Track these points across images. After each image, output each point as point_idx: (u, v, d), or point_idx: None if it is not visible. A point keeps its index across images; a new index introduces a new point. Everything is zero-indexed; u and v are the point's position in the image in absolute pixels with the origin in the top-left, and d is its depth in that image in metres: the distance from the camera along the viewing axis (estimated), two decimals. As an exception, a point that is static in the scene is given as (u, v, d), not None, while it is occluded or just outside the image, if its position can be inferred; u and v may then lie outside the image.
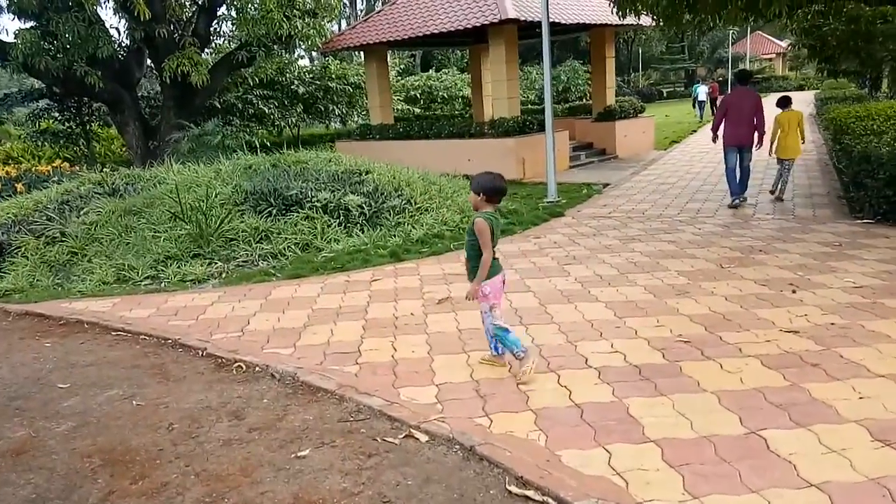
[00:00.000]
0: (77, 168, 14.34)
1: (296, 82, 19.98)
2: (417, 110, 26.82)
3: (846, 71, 12.81)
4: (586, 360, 3.93)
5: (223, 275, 6.94)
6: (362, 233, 8.00)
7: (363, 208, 8.29)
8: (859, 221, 7.48)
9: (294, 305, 5.53)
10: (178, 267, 7.02)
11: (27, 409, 3.88)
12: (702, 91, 31.55)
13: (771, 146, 9.33)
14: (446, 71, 31.53)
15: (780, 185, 9.38)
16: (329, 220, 8.04)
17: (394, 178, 9.58)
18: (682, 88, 58.47)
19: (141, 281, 6.77)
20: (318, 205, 8.20)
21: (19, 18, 14.64)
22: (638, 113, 17.38)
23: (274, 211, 8.17)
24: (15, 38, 13.91)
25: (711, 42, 61.50)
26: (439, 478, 2.84)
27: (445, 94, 28.12)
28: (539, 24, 14.65)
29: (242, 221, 7.96)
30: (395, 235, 7.96)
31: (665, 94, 54.83)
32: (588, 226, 8.41)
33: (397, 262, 7.00)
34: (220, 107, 18.21)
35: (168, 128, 15.92)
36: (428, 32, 14.25)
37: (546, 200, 10.31)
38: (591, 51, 17.31)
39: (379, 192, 8.81)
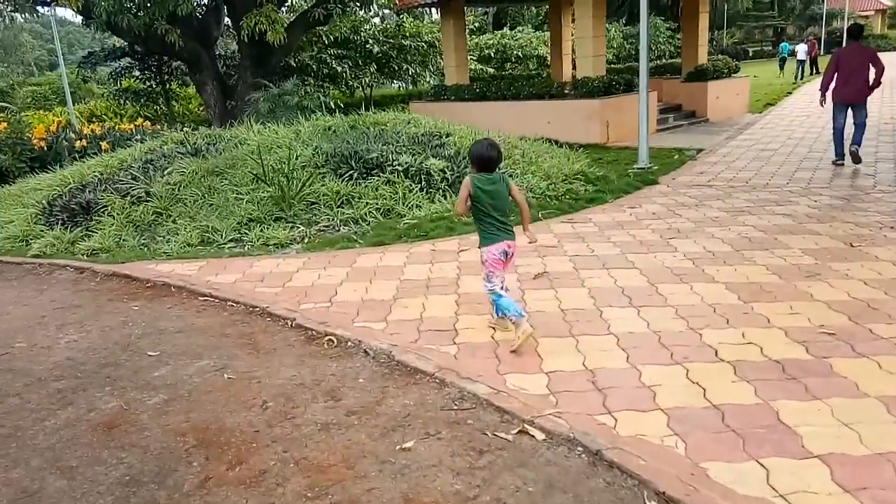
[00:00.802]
0: (158, 127, 14.55)
1: (370, 41, 19.62)
2: (491, 70, 26.08)
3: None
4: (716, 353, 3.48)
5: (305, 239, 6.77)
6: (444, 199, 7.66)
7: (445, 173, 7.93)
8: None
9: (381, 275, 5.27)
10: (261, 230, 6.88)
11: (117, 377, 3.77)
12: (801, 49, 29.39)
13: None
14: (521, 29, 30.48)
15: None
16: (410, 185, 7.73)
17: (475, 139, 9.15)
18: (770, 47, 54.85)
19: (225, 244, 6.67)
20: (399, 169, 7.90)
21: (103, -24, 14.78)
22: (732, 73, 16.20)
23: (355, 174, 7.92)
24: (99, -5, 14.05)
25: (805, -3, 57.35)
26: (564, 485, 2.51)
27: (520, 54, 27.22)
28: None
29: (323, 185, 7.75)
30: (479, 202, 7.58)
31: (751, 54, 51.57)
32: (687, 195, 7.79)
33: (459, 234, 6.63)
34: (294, 66, 18.09)
35: (245, 87, 15.92)
36: (510, -13, 13.54)
37: (636, 166, 9.67)
38: (684, 4, 16.14)
39: (460, 156, 8.41)
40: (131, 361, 3.99)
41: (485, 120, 13.51)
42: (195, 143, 9.25)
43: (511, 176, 8.28)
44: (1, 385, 3.76)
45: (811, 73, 29.83)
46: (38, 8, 15.97)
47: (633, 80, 13.85)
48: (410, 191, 7.67)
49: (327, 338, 4.09)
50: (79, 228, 7.23)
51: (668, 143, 12.24)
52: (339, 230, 7.06)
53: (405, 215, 7.26)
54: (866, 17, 56.48)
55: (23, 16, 17.75)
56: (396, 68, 21.20)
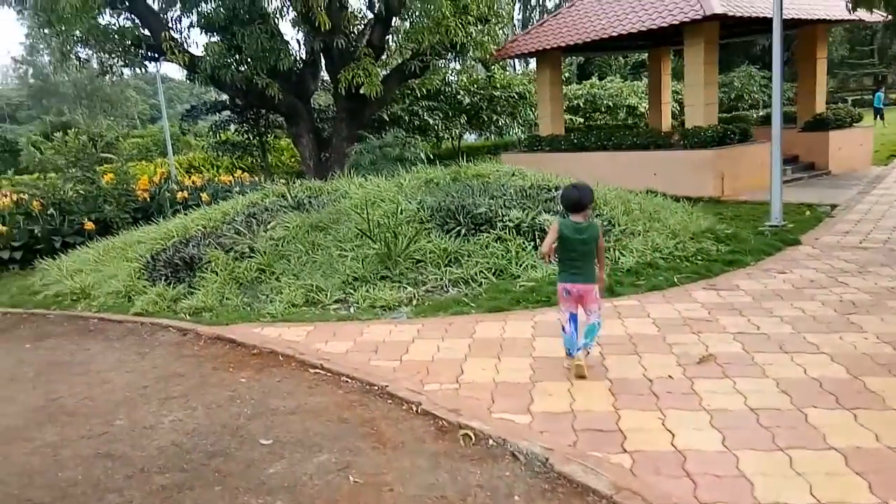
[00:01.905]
0: (255, 178, 14.69)
1: (461, 92, 19.52)
2: (580, 120, 25.55)
3: None
4: None
5: (414, 302, 6.24)
6: (562, 258, 7.00)
7: (561, 230, 7.28)
8: None
9: (509, 350, 4.62)
10: (367, 290, 6.42)
11: (228, 473, 3.26)
12: (878, 97, 27.65)
13: None
14: (611, 79, 29.93)
15: None
16: (523, 243, 7.12)
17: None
18: (870, 96, 51.96)
19: (330, 304, 6.23)
20: (510, 225, 7.32)
21: (207, 32, 15.33)
22: (854, 122, 14.94)
23: (462, 230, 7.40)
24: (204, 52, 14.51)
25: (909, 42, 54.30)
26: None
27: (609, 103, 26.58)
28: (742, 20, 13.02)
29: (430, 241, 7.26)
30: (601, 263, 6.87)
31: (850, 102, 48.94)
32: (842, 259, 6.81)
33: (612, 296, 5.90)
34: (387, 119, 18.13)
35: (340, 140, 15.98)
36: (615, 34, 13.03)
37: (768, 224, 8.73)
38: (799, 51, 15.13)
39: (576, 210, 7.76)
40: (242, 451, 3.48)
41: (583, 171, 12.79)
42: (297, 196, 9.03)
43: (632, 234, 7.57)
44: (100, 476, 3.32)
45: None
46: (146, 63, 16.72)
47: (748, 129, 12.94)
48: (523, 249, 7.05)
49: (462, 432, 3.46)
50: (182, 285, 7.00)
51: (793, 197, 11.16)
52: (448, 291, 6.51)
53: (519, 276, 6.63)
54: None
55: (131, 71, 18.72)
56: (486, 119, 20.98)
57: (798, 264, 6.71)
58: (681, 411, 3.45)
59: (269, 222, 8.04)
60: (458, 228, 7.44)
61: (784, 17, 12.45)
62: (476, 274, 6.71)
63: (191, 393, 4.36)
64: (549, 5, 48.05)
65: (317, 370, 4.55)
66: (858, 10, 10.92)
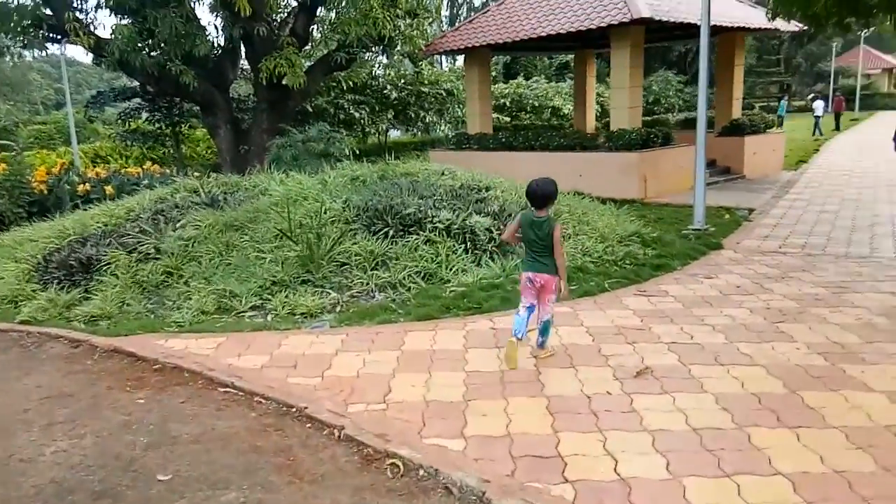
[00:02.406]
0: (167, 171, 13.78)
1: (388, 87, 19.11)
2: (506, 119, 25.65)
3: None
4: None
5: (338, 308, 5.86)
6: (492, 262, 6.78)
7: (491, 232, 7.06)
8: None
9: (441, 364, 4.33)
10: (287, 296, 5.98)
11: (118, 518, 2.81)
12: (818, 106, 29.10)
13: None
14: (536, 79, 30.23)
15: None
16: (453, 246, 6.86)
17: (519, 196, 8.34)
18: (775, 102, 55.03)
19: (245, 312, 5.75)
20: (440, 226, 7.04)
21: (116, 14, 14.28)
22: (768, 128, 15.57)
23: (390, 232, 7.06)
24: (112, 34, 13.47)
25: (810, 55, 57.76)
26: None
27: (535, 104, 26.84)
28: (667, 25, 13.26)
29: (356, 243, 6.88)
30: (532, 267, 6.70)
31: (756, 109, 51.64)
32: (764, 264, 6.92)
33: (545, 302, 5.72)
34: (311, 111, 17.50)
35: (259, 132, 15.26)
36: (544, 34, 12.99)
37: (692, 228, 8.85)
38: (718, 57, 15.59)
39: (505, 212, 7.57)
40: (134, 490, 3.03)
41: (510, 171, 12.71)
42: (210, 192, 8.42)
43: (563, 237, 7.44)
44: (-42, 527, 2.80)
45: (834, 129, 29.48)
46: (48, 45, 15.43)
47: (669, 133, 13.20)
48: (454, 252, 6.79)
49: (390, 461, 3.14)
50: (77, 289, 6.32)
51: (712, 200, 11.36)
52: (374, 297, 6.17)
53: (450, 281, 6.36)
54: (873, 75, 56.96)
55: (32, 53, 17.26)
56: (413, 115, 20.65)
57: (723, 269, 6.77)
58: (622, 432, 3.26)
59: (179, 220, 7.43)
60: (386, 230, 7.10)
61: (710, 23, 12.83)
62: (404, 278, 6.39)
63: (79, 417, 3.84)
64: (477, 3, 48.26)
65: (227, 389, 4.11)
66: (777, 19, 11.38)
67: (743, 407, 3.47)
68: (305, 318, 5.64)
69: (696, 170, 8.96)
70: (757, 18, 14.30)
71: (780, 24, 14.01)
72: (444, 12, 50.70)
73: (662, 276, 6.59)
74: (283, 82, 13.88)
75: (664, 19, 11.75)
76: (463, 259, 6.72)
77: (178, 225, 7.34)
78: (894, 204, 10.16)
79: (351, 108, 18.14)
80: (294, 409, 3.75)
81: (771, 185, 13.38)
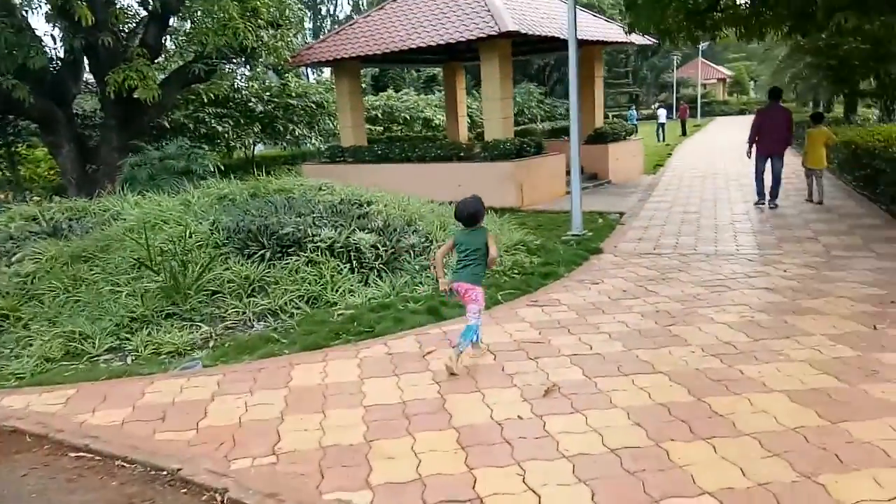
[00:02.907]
0: (2, 196, 12.16)
1: (253, 100, 18.20)
2: (379, 130, 25.38)
3: (864, 92, 12.18)
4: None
5: (211, 343, 5.27)
6: (381, 280, 6.44)
7: (377, 249, 6.72)
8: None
9: (334, 400, 3.92)
10: (150, 333, 5.30)
11: None
12: (661, 114, 31.45)
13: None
14: (405, 91, 30.25)
15: (817, 192, 10.41)
16: (338, 265, 6.44)
17: (402, 209, 8.07)
18: (626, 111, 59.09)
19: (100, 356, 5.01)
20: (322, 245, 6.60)
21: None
22: (628, 135, 16.43)
23: (267, 254, 6.52)
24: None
25: (653, 68, 62.52)
26: None
27: (407, 115, 26.81)
28: (532, 38, 13.60)
29: (228, 268, 6.28)
30: (422, 283, 6.43)
31: (611, 118, 55.13)
32: (644, 266, 7.11)
33: (439, 320, 5.48)
34: (168, 126, 16.25)
35: (109, 150, 13.89)
36: (414, 46, 12.85)
37: (570, 234, 8.98)
38: (580, 69, 16.20)
39: (390, 227, 7.26)
40: None
41: (389, 183, 12.45)
42: (53, 220, 7.41)
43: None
44: None
45: (681, 135, 31.91)
46: None
47: (541, 142, 13.53)
48: (339, 272, 6.37)
49: (288, 524, 2.71)
50: None
51: (585, 206, 11.59)
52: (253, 327, 5.64)
53: (337, 304, 5.95)
54: (711, 84, 62.73)
55: None
56: (282, 128, 19.83)
57: (607, 273, 6.86)
58: (540, 462, 3.03)
59: (15, 254, 6.43)
60: (262, 252, 6.56)
61: (563, 37, 13.30)
62: (286, 304, 5.90)
63: None
64: (341, 16, 47.79)
65: (80, 454, 3.46)
66: (633, 33, 12.00)
67: (655, 420, 3.38)
68: (173, 357, 5.02)
69: (573, 177, 9.14)
70: (613, 33, 15.08)
71: (636, 37, 14.91)
72: (308, 25, 49.81)
73: (551, 283, 6.56)
74: (135, 96, 12.72)
75: (530, 33, 12.00)
76: (349, 279, 6.32)
77: (13, 259, 6.35)
78: (748, 202, 10.93)
79: (213, 121, 17.06)
80: (165, 473, 3.20)
81: (635, 188, 14.07)
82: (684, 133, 32.79)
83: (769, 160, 10.25)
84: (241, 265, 6.34)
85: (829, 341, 4.39)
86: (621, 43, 15.34)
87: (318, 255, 6.46)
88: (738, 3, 9.90)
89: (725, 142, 25.75)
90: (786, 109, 10.59)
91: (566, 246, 8.29)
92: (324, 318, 5.57)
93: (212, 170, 9.94)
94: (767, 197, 10.33)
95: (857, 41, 10.99)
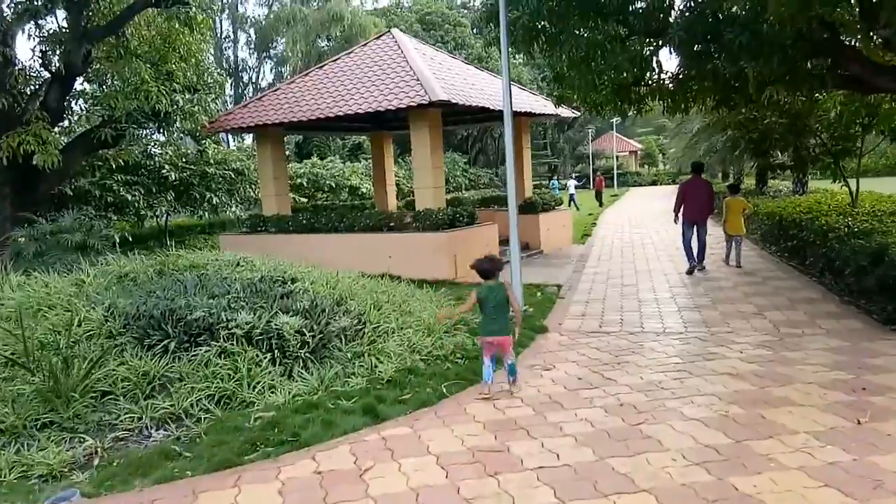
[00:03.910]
0: None
1: (166, 167, 17.15)
2: (303, 200, 24.65)
3: (783, 165, 12.61)
4: None
5: (96, 461, 4.29)
6: (306, 371, 5.64)
7: (303, 334, 5.93)
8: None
9: (250, 545, 3.09)
10: (18, 450, 4.28)
11: None
12: (571, 184, 32.69)
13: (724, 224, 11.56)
14: (331, 159, 29.81)
15: (736, 256, 11.21)
16: (257, 356, 5.60)
17: (332, 287, 7.35)
18: (546, 182, 61.01)
19: (-56, 488, 3.95)
20: (239, 332, 5.75)
21: None
22: (557, 205, 16.43)
23: (171, 345, 5.61)
24: None
25: (570, 140, 65.14)
26: None
27: (332, 183, 26.27)
28: (460, 108, 13.47)
29: (123, 363, 5.34)
30: (355, 374, 5.67)
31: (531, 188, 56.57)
32: (593, 347, 6.63)
33: (377, 421, 4.73)
34: (71, 194, 14.95)
35: (2, 220, 12.48)
36: (341, 114, 12.40)
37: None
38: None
39: (318, 308, 6.49)
40: None
41: (315, 255, 11.73)
42: None
43: (386, 333, 6.55)
44: None
45: (599, 206, 32.78)
46: None
47: (474, 212, 13.18)
48: (257, 364, 5.53)
49: None
50: None
51: (521, 278, 11.40)
52: (150, 437, 4.70)
53: (255, 403, 5.10)
54: (623, 156, 65.86)
55: None
56: (198, 196, 18.76)
57: (557, 357, 6.33)
58: None
59: None
60: (166, 342, 5.65)
61: (497, 108, 13.24)
62: (192, 405, 5.01)
63: None
64: (263, 84, 47.39)
65: None
66: (561, 106, 12.05)
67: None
68: (46, 481, 4.03)
69: (511, 250, 8.72)
70: (538, 105, 15.23)
71: (563, 111, 15.10)
72: (229, 91, 49.08)
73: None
74: (34, 162, 11.57)
75: (461, 102, 11.82)
76: (269, 372, 5.48)
77: None
78: (681, 274, 10.83)
79: (122, 189, 15.85)
80: None
81: (567, 259, 13.88)
82: (600, 204, 33.74)
83: (694, 227, 10.93)
84: (140, 359, 5.41)
85: (817, 441, 3.95)
86: (548, 115, 15.51)
87: (232, 345, 5.60)
88: (662, 78, 10.02)
89: (645, 211, 26.54)
90: (707, 181, 11.53)
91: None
92: (238, 424, 4.70)
93: (115, 243, 8.89)
94: (695, 262, 10.92)
95: (776, 115, 11.35)
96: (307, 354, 5.78)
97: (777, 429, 4.17)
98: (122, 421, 4.80)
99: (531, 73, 45.66)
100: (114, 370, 5.25)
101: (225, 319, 5.88)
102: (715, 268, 11.22)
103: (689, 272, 10.79)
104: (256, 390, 5.22)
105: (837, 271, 8.82)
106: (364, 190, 26.53)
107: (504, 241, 14.47)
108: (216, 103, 17.36)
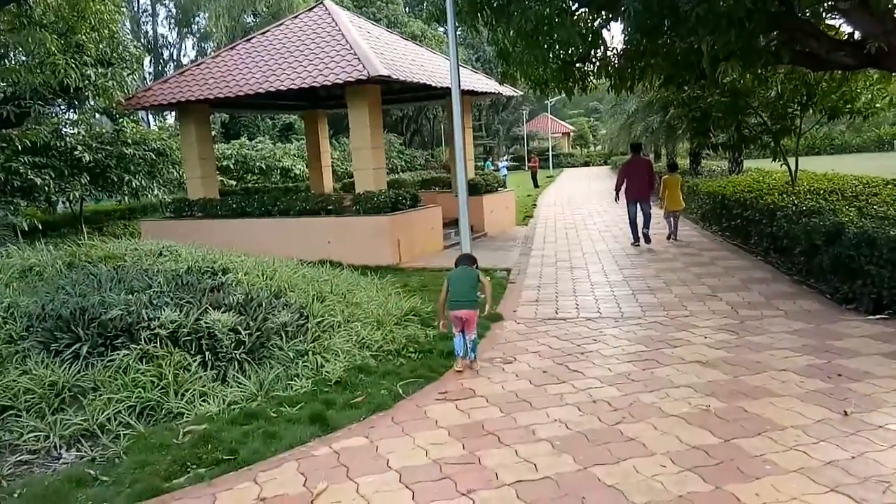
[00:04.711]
0: None
1: (79, 148, 15.76)
2: (231, 182, 23.43)
3: (724, 145, 12.62)
4: None
5: (-10, 496, 3.59)
6: (243, 375, 5.02)
7: (238, 332, 5.29)
8: (876, 318, 6.21)
9: None
10: None
11: None
12: (501, 166, 32.69)
13: (661, 201, 12.07)
14: (260, 139, 28.51)
15: (674, 231, 11.83)
16: (185, 359, 4.94)
17: (268, 277, 6.70)
18: (481, 163, 60.94)
19: None
20: (163, 332, 5.07)
21: None
22: (500, 187, 16.07)
23: (84, 349, 4.88)
24: None
25: (504, 122, 65.21)
26: None
27: (263, 165, 25.10)
28: (397, 86, 12.90)
29: (25, 372, 4.59)
30: (299, 376, 5.10)
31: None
32: (553, 335, 6.28)
33: (327, 431, 4.20)
34: (-31, 178, 13.50)
35: None
36: (272, 89, 11.57)
37: (462, 297, 8.03)
38: (450, 118, 15.72)
39: (254, 302, 5.85)
40: None
41: (247, 242, 10.98)
42: None
43: (332, 327, 5.98)
44: None
45: (535, 187, 32.77)
46: None
47: (417, 194, 12.65)
48: (186, 368, 4.88)
49: None
50: None
51: (468, 262, 10.99)
52: (60, 458, 4.02)
53: (184, 414, 4.47)
54: (557, 138, 66.45)
55: None
56: (116, 179, 17.42)
57: (516, 348, 5.94)
58: None
59: None
60: (77, 346, 4.92)
61: (440, 85, 12.70)
62: (110, 420, 4.34)
63: None
64: (185, 61, 45.03)
65: None
66: (505, 84, 11.65)
67: None
68: (-76, 525, 3.31)
69: (461, 233, 8.25)
70: (480, 84, 14.77)
71: (506, 89, 14.71)
72: (149, 68, 46.37)
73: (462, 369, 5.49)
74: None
75: (402, 79, 11.22)
76: (200, 378, 4.84)
77: None
78: (630, 255, 10.68)
79: (30, 173, 14.43)
80: None
81: (513, 241, 13.58)
82: (536, 185, 33.75)
83: (637, 205, 11.33)
84: (46, 367, 4.67)
85: (808, 437, 3.69)
86: (490, 94, 15.08)
87: (156, 347, 4.93)
88: (608, 55, 9.73)
89: (583, 192, 26.66)
90: (647, 160, 12.24)
91: (461, 313, 7.31)
92: (164, 441, 4.07)
93: (17, 231, 7.89)
94: (641, 238, 11.38)
95: (718, 94, 11.28)
96: (243, 355, 5.16)
97: (763, 424, 3.90)
98: (25, 441, 4.10)
99: (465, 54, 45.12)
100: (14, 381, 4.52)
101: (146, 318, 5.19)
102: (662, 248, 11.16)
103: (635, 244, 11.42)
104: (185, 399, 4.58)
105: (784, 250, 8.81)
106: (297, 172, 25.51)
107: (448, 224, 14.12)
108: (133, 79, 16.11)
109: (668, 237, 11.85)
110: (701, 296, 7.61)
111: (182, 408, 4.50)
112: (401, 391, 4.83)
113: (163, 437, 4.13)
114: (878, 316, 6.21)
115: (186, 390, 4.67)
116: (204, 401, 4.61)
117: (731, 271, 8.88)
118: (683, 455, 3.54)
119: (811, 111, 11.16)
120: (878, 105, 10.59)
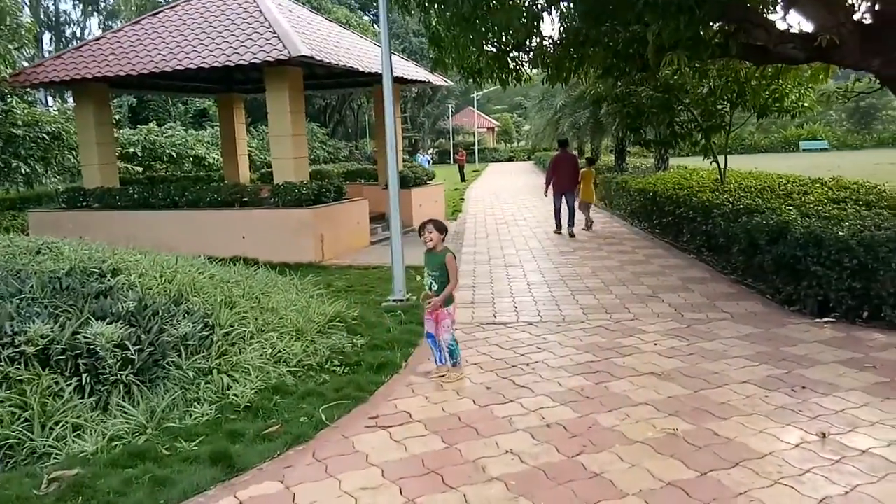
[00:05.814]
0: None
1: (-42, 128, 14.03)
2: (137, 170, 21.71)
3: (656, 141, 12.49)
4: None
5: None
6: (130, 402, 4.16)
7: (126, 349, 4.41)
8: (823, 321, 6.00)
9: None
10: None
11: None
12: (423, 160, 32.12)
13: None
14: (171, 125, 26.67)
15: (587, 219, 12.69)
16: (56, 383, 4.04)
17: (168, 279, 5.80)
18: (407, 156, 60.11)
19: None
20: (30, 350, 4.15)
21: None
22: (429, 180, 15.45)
23: (-78, 373, 3.90)
24: None
25: (430, 115, 64.68)
26: None
27: (173, 152, 23.45)
28: (320, 71, 12.05)
29: None
30: (200, 400, 4.29)
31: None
32: (493, 343, 5.74)
33: (232, 473, 3.45)
34: None
35: None
36: (180, 68, 10.47)
37: (392, 299, 7.41)
38: (376, 107, 14.98)
39: (149, 310, 4.97)
40: None
41: (149, 237, 9.94)
42: None
43: (242, 339, 5.17)
44: None
45: (462, 181, 32.40)
46: None
47: (342, 186, 11.85)
48: (57, 395, 3.98)
49: None
50: None
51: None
52: None
53: (52, 455, 3.60)
54: (483, 132, 66.52)
55: None
56: (2, 165, 15.70)
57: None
58: None
59: None
60: (-87, 370, 3.92)
61: (367, 70, 11.93)
62: (-50, 465, 3.40)
63: None
64: (88, 38, 41.94)
65: None
66: (436, 73, 11.02)
67: None
68: None
69: (392, 230, 7.61)
70: (410, 71, 14.09)
71: (437, 78, 14.10)
72: (49, 47, 42.91)
73: (390, 381, 4.85)
74: None
75: (326, 61, 10.39)
76: (75, 407, 3.96)
77: None
78: (565, 253, 10.34)
79: None
80: None
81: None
82: (462, 178, 33.41)
83: (563, 197, 12.18)
84: None
85: (792, 468, 3.26)
86: (420, 83, 14.44)
87: (19, 368, 4.01)
88: (544, 44, 9.29)
89: (510, 187, 26.47)
90: (573, 155, 13.43)
91: (392, 316, 6.69)
92: (21, 492, 3.22)
93: None
94: (565, 227, 12.12)
95: (653, 90, 11.10)
96: (131, 377, 4.29)
97: (739, 451, 3.45)
98: None
99: (391, 44, 44.25)
100: None
101: (10, 332, 4.25)
102: (595, 245, 10.91)
103: (557, 232, 12.29)
104: (54, 435, 3.71)
105: (719, 248, 8.64)
106: (211, 160, 23.99)
107: (375, 218, 13.36)
108: (22, 53, 14.48)
109: (585, 227, 12.62)
110: (642, 297, 7.26)
111: (49, 446, 3.64)
112: (324, 417, 4.12)
113: (20, 486, 3.27)
114: (824, 319, 6.00)
115: (57, 423, 3.79)
116: (78, 436, 3.75)
117: (668, 270, 8.63)
118: (659, 496, 3.03)
119: (741, 108, 11.16)
120: (805, 104, 10.67)
